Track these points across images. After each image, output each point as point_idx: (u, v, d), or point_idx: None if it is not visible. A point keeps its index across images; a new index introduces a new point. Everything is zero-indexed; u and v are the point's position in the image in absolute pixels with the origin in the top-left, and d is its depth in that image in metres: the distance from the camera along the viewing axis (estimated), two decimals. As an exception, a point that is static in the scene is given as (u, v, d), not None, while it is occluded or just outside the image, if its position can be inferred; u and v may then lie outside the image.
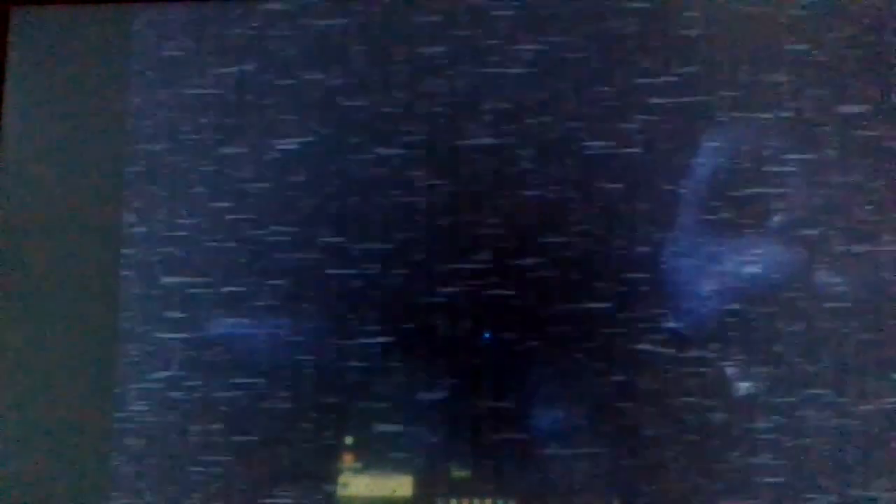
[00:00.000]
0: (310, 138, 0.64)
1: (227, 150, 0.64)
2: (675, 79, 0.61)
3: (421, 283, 0.62)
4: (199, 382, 0.62)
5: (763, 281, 0.60)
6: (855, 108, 0.60)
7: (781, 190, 0.60)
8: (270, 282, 0.63)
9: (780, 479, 0.58)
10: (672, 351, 0.59)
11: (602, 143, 0.62)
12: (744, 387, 0.59)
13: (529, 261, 0.61)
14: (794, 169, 0.60)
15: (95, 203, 0.64)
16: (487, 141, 0.62)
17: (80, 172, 0.65)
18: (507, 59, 0.63)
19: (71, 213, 0.64)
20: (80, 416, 0.62)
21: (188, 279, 0.63)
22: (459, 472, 0.60)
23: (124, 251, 0.63)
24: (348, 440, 0.60)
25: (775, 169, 0.60)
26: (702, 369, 0.59)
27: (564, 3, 0.63)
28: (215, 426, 0.61)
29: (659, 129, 0.61)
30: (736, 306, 0.59)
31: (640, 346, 0.60)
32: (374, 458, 0.60)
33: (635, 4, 0.62)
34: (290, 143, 0.64)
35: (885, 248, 0.59)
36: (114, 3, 0.66)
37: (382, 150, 0.63)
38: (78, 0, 0.66)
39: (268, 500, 0.61)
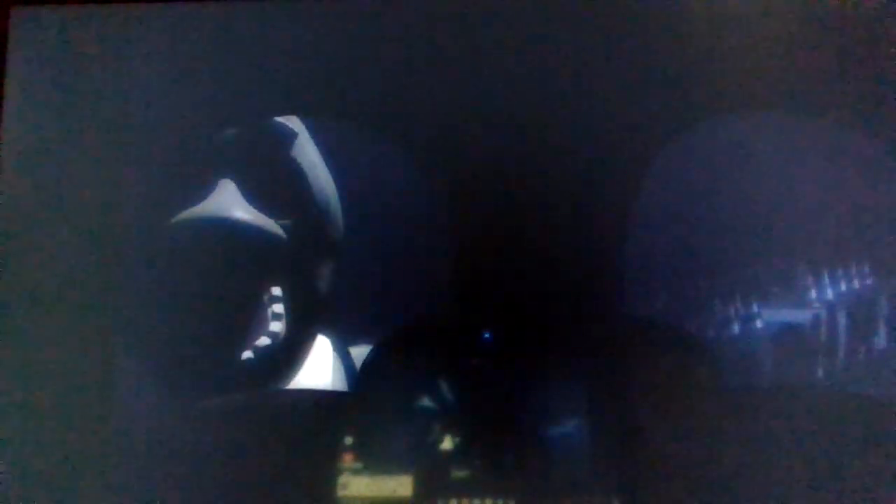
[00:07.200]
0: (315, 137, 0.64)
1: (228, 149, 0.64)
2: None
3: (421, 282, 0.62)
4: (200, 383, 0.62)
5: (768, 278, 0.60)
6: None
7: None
8: (270, 280, 0.63)
9: (781, 480, 0.58)
10: (672, 351, 0.60)
11: (602, 142, 0.62)
12: (744, 387, 0.59)
13: (530, 260, 0.61)
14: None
15: (95, 203, 0.64)
16: (483, 138, 0.62)
17: (80, 172, 0.65)
18: (499, 61, 0.63)
19: (71, 212, 0.64)
20: (80, 416, 0.62)
21: (188, 279, 0.63)
22: (459, 472, 0.60)
23: (124, 251, 0.63)
24: (348, 440, 0.60)
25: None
26: (701, 369, 0.59)
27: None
28: (215, 426, 0.62)
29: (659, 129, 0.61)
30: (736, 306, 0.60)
31: (641, 347, 0.60)
32: (374, 458, 0.60)
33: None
34: (292, 143, 0.64)
35: (880, 244, 0.59)
36: (114, 3, 0.66)
37: (382, 151, 0.63)
38: (78, 0, 0.66)
39: (268, 501, 0.61)
